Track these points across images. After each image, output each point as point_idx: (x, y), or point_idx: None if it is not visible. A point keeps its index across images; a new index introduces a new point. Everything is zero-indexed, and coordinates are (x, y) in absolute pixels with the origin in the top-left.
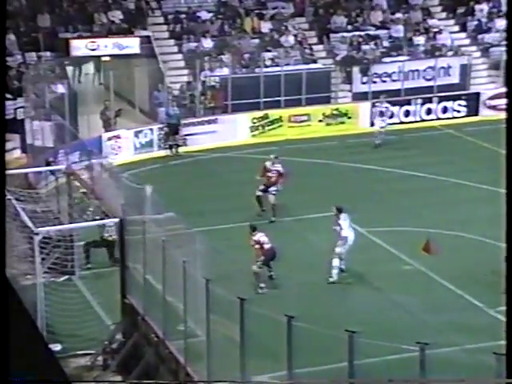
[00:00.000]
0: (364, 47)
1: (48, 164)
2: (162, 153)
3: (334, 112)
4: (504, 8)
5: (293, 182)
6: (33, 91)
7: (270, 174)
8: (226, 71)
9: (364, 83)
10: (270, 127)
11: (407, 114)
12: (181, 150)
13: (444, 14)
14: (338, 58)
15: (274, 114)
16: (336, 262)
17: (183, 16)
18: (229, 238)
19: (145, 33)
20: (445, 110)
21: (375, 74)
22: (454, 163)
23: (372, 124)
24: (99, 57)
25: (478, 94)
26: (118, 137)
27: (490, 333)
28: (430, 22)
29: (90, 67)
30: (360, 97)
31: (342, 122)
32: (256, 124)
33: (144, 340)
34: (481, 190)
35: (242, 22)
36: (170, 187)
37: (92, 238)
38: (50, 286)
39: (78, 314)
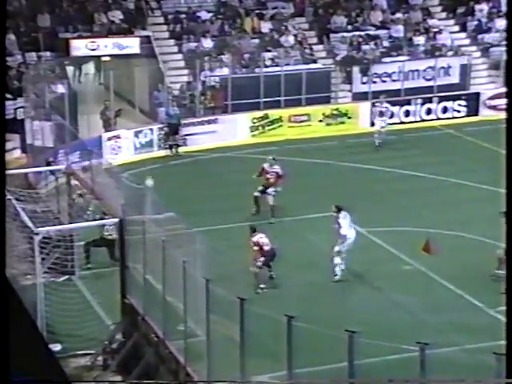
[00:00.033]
0: (364, 47)
1: (48, 164)
2: (162, 153)
3: (334, 112)
4: (504, 8)
5: (293, 182)
6: (33, 91)
7: (268, 176)
8: (225, 71)
9: (364, 83)
10: (270, 127)
11: (407, 114)
12: (181, 150)
13: (444, 14)
14: (338, 58)
15: (274, 113)
16: (337, 260)
17: (183, 16)
18: (229, 238)
19: (145, 33)
20: (445, 110)
21: (375, 74)
22: (454, 163)
23: (372, 124)
24: (99, 57)
25: (478, 94)
26: (117, 137)
27: (490, 333)
28: (430, 21)
29: (90, 67)
30: (360, 97)
31: (342, 122)
32: (256, 124)
33: (144, 340)
34: (481, 189)
35: (242, 22)
36: (170, 187)
37: (92, 237)
38: (50, 286)
39: (78, 314)
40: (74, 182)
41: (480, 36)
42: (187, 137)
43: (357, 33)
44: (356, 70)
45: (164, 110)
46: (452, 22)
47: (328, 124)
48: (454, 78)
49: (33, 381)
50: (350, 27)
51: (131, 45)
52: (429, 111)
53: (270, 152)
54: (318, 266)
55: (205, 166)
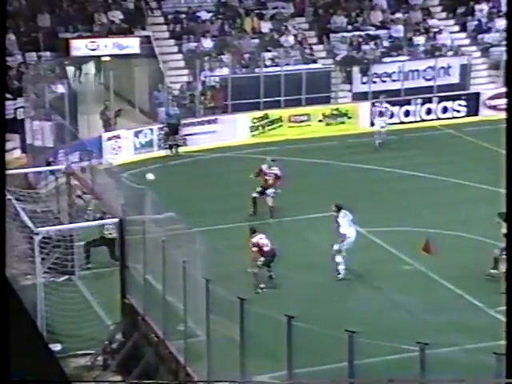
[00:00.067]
0: (364, 47)
1: (48, 164)
2: (162, 153)
3: (334, 112)
4: (504, 8)
5: (293, 182)
6: (33, 91)
7: (266, 177)
8: (225, 71)
9: (364, 83)
10: (270, 127)
11: (407, 114)
12: (181, 150)
13: (444, 14)
14: (338, 58)
15: (274, 114)
16: (339, 258)
17: (183, 16)
18: (228, 238)
19: (145, 33)
20: (445, 110)
21: (375, 74)
22: (454, 163)
23: (372, 124)
24: (99, 57)
25: (478, 94)
26: (117, 137)
27: (490, 333)
28: (430, 21)
29: (90, 67)
30: (360, 97)
31: (342, 122)
32: (256, 124)
33: (144, 340)
34: (481, 189)
35: (242, 22)
36: (170, 187)
37: (92, 237)
38: (50, 286)
39: (78, 314)
40: (73, 181)
41: (480, 36)
42: (187, 137)
43: (357, 33)
44: (356, 70)
45: (164, 110)
46: (452, 22)
47: (328, 124)
48: (454, 78)
49: (33, 381)
50: (350, 27)
51: (131, 45)
52: (429, 111)
53: (269, 152)
54: (318, 266)
55: (205, 165)
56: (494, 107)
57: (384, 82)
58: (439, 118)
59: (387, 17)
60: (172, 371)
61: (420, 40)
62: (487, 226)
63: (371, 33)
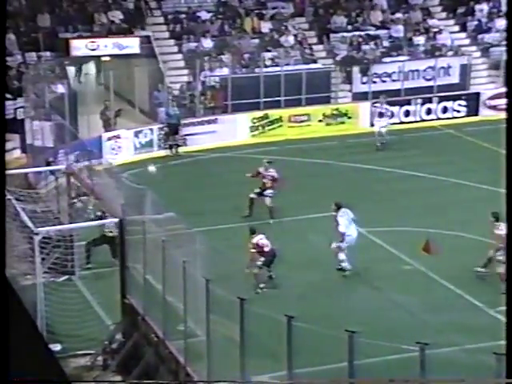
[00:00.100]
0: (364, 47)
1: (48, 164)
2: (162, 153)
3: (334, 112)
4: (504, 8)
5: (293, 182)
6: (33, 91)
7: (264, 180)
8: (225, 71)
9: (364, 83)
10: (270, 127)
11: (407, 114)
12: (181, 150)
13: (444, 14)
14: (338, 58)
15: (274, 114)
16: (342, 256)
17: (183, 16)
18: (228, 238)
19: (145, 33)
20: (445, 110)
21: (375, 74)
22: (454, 163)
23: (372, 124)
24: (99, 57)
25: (478, 94)
26: (117, 137)
27: (490, 333)
28: (430, 21)
29: (90, 67)
30: (360, 97)
31: (342, 122)
32: (256, 124)
33: (144, 340)
34: (481, 190)
35: (242, 22)
36: (170, 187)
37: (93, 237)
38: (50, 286)
39: (78, 314)
40: (73, 181)
41: (480, 36)
42: (187, 137)
43: (357, 33)
44: (356, 70)
45: (164, 110)
46: (452, 22)
47: (328, 124)
48: (454, 78)
49: (33, 381)
50: (350, 27)
51: (131, 45)
52: (429, 111)
53: (269, 152)
54: (318, 266)
55: (205, 165)
56: (494, 107)
57: (384, 82)
58: (439, 118)
59: (387, 17)
60: (172, 371)
61: (420, 40)
62: (487, 226)
63: (371, 33)
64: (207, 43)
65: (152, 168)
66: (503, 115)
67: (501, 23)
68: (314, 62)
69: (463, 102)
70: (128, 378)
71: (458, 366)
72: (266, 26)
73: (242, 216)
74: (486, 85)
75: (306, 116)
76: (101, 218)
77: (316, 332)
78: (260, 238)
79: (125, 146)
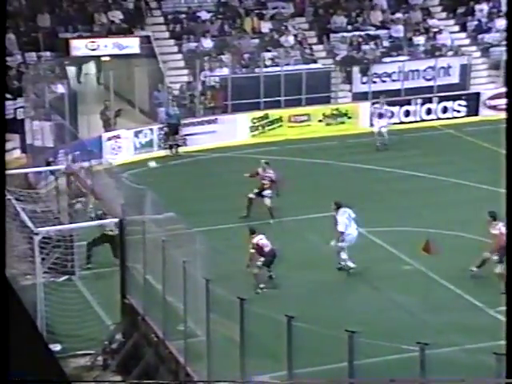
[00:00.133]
0: (364, 47)
1: (48, 164)
2: (162, 153)
3: (334, 112)
4: (504, 8)
5: (293, 182)
6: (33, 91)
7: (263, 181)
8: (225, 71)
9: (364, 83)
10: (270, 127)
11: (407, 114)
12: (181, 150)
13: (444, 14)
14: (338, 58)
15: (274, 114)
16: (344, 255)
17: (183, 16)
18: (228, 238)
19: (145, 33)
20: (445, 109)
21: (375, 74)
22: (454, 163)
23: (372, 124)
24: (99, 57)
25: (478, 94)
26: (117, 137)
27: (490, 333)
28: (430, 21)
29: (90, 67)
30: (360, 97)
31: (342, 122)
32: (256, 124)
33: (144, 340)
34: (481, 189)
35: (242, 22)
36: (170, 187)
37: (93, 237)
38: (50, 286)
39: (78, 314)
40: (73, 181)
41: (480, 36)
42: (187, 137)
43: (357, 33)
44: (356, 70)
45: (164, 110)
46: (452, 22)
47: (328, 124)
48: (454, 78)
49: (33, 381)
50: (350, 27)
51: (131, 45)
52: (429, 111)
53: (270, 152)
54: (318, 266)
55: (205, 165)
56: (494, 107)
57: (384, 82)
58: (439, 118)
59: (387, 17)
60: (172, 371)
61: (420, 40)
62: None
63: (371, 33)
64: (207, 43)
65: (153, 164)
66: (503, 115)
67: (501, 23)
68: (314, 62)
69: (463, 102)
70: (128, 378)
71: (458, 366)
72: (266, 26)
73: (240, 217)
74: (486, 85)
75: (306, 116)
76: (101, 218)
77: (316, 332)
78: (260, 239)
79: (125, 145)
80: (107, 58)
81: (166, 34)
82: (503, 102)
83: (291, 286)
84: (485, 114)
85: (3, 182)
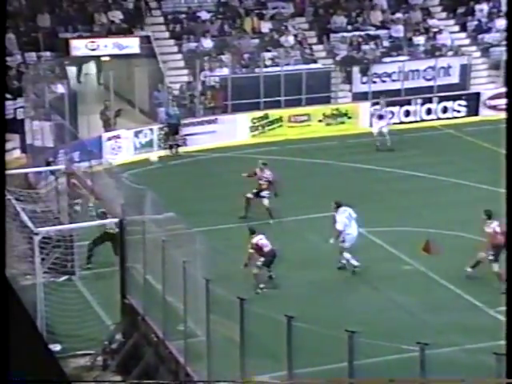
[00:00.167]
0: (364, 47)
1: (48, 164)
2: (162, 153)
3: (334, 112)
4: (504, 8)
5: (293, 182)
6: (33, 91)
7: (260, 182)
8: (225, 71)
9: (364, 83)
10: (270, 127)
11: (407, 114)
12: (181, 150)
13: (444, 14)
14: (338, 58)
15: (274, 114)
16: (347, 254)
17: (183, 16)
18: (228, 238)
19: (145, 33)
20: (445, 109)
21: (375, 74)
22: (454, 163)
23: (372, 124)
24: (99, 57)
25: (478, 94)
26: (117, 137)
27: (490, 333)
28: (430, 21)
29: (90, 67)
30: (360, 97)
31: (342, 122)
32: (256, 124)
33: (144, 340)
34: (481, 189)
35: (242, 22)
36: (170, 187)
37: (94, 236)
38: (50, 286)
39: (78, 314)
40: (73, 181)
41: (480, 36)
42: (187, 137)
43: (357, 33)
44: (356, 70)
45: (164, 110)
46: (452, 22)
47: (328, 124)
48: (454, 78)
49: (33, 381)
50: (350, 27)
51: (131, 45)
52: (429, 111)
53: (270, 152)
54: (318, 266)
55: (205, 165)
56: (494, 107)
57: (384, 82)
58: (439, 118)
59: (387, 17)
60: (172, 371)
61: (420, 40)
62: None
63: (371, 33)
64: (207, 43)
65: (154, 157)
66: (503, 115)
67: (501, 23)
68: (314, 61)
69: (463, 102)
70: (128, 378)
71: (458, 366)
72: (266, 26)
73: (239, 217)
74: (486, 85)
75: (306, 116)
76: (102, 216)
77: (316, 332)
78: (260, 239)
79: (125, 146)
80: (107, 58)
81: (166, 34)
82: (503, 102)
83: (291, 285)
84: (485, 113)
85: (3, 182)
